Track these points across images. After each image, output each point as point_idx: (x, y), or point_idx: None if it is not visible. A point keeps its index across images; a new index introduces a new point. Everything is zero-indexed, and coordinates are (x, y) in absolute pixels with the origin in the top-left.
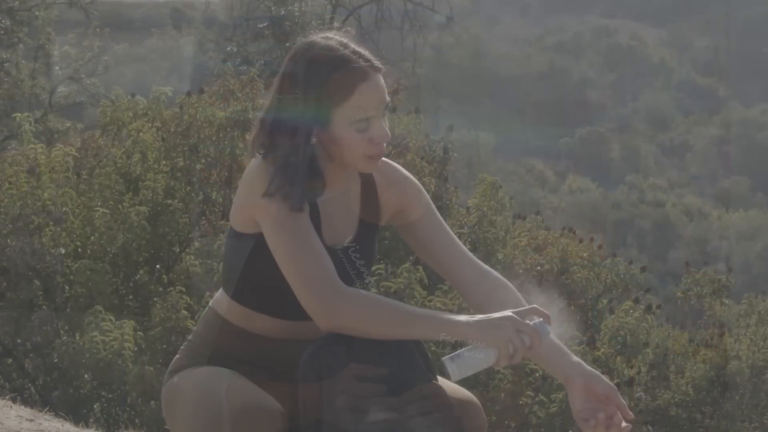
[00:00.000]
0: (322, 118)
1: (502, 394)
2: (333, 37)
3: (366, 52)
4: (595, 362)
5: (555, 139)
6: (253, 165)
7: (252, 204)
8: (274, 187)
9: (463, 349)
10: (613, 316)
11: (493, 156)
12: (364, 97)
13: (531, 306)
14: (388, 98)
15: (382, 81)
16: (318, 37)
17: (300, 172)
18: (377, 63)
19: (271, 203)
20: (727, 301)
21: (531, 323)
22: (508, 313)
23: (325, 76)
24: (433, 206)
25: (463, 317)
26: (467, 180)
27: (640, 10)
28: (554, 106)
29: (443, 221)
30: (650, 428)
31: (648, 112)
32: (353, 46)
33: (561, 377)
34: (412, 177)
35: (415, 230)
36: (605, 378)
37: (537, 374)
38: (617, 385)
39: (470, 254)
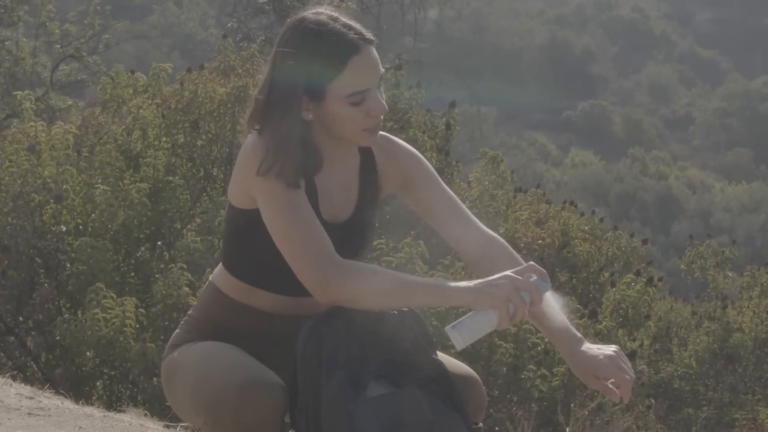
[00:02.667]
0: (316, 93)
1: (504, 369)
2: (323, 12)
3: (357, 25)
4: (597, 335)
5: (557, 113)
6: (249, 141)
7: (248, 181)
8: (267, 164)
9: (464, 317)
10: (614, 289)
11: (496, 130)
12: (357, 69)
13: (528, 264)
14: (382, 70)
15: (375, 53)
16: (309, 12)
17: (293, 148)
18: (369, 35)
19: (265, 180)
20: (730, 274)
21: (530, 280)
22: (506, 272)
23: (317, 50)
24: (435, 174)
25: (461, 283)
26: (470, 154)
27: None
28: (556, 80)
29: (447, 188)
30: (653, 401)
31: (650, 84)
32: (344, 19)
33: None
34: (411, 148)
35: (420, 199)
36: (607, 359)
37: (539, 348)
38: None
39: (475, 220)
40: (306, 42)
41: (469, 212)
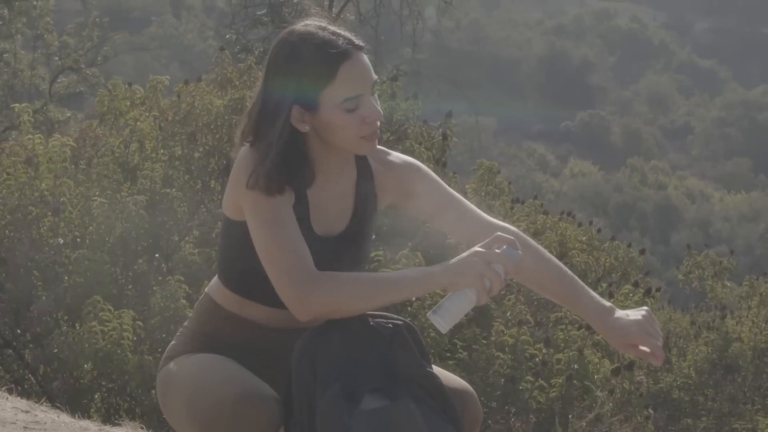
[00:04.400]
0: (309, 103)
1: (502, 380)
2: (311, 23)
3: (345, 33)
4: (595, 346)
5: (556, 123)
6: (241, 154)
7: (237, 193)
8: (254, 176)
9: (443, 300)
10: (612, 300)
11: (495, 140)
12: (348, 76)
13: (494, 235)
14: (375, 76)
15: (366, 59)
16: (297, 25)
17: (278, 158)
18: (358, 42)
19: (251, 193)
20: (728, 284)
21: (499, 251)
22: (474, 248)
23: (307, 60)
24: (436, 177)
25: (434, 267)
26: (468, 165)
27: None
28: (555, 90)
29: (450, 189)
30: (652, 411)
31: (649, 94)
32: (332, 28)
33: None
34: (408, 158)
35: (424, 207)
36: (635, 326)
37: (537, 359)
38: (616, 369)
39: (484, 215)
40: (296, 53)
41: (476, 208)
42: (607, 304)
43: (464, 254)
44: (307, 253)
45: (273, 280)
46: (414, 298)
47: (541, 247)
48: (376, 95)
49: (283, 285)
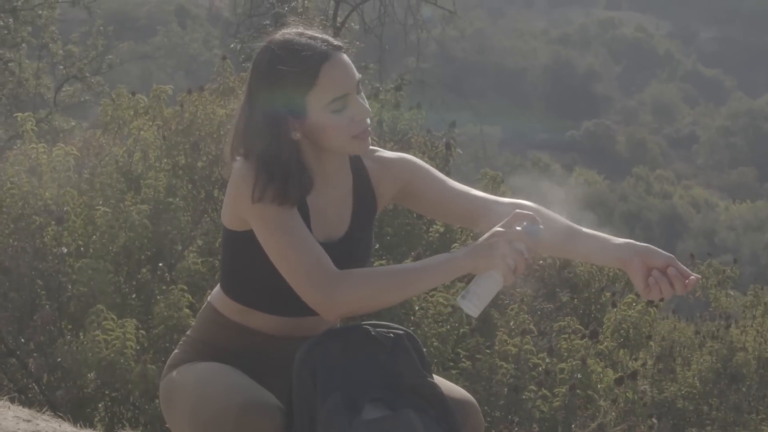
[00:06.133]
0: (297, 109)
1: (505, 389)
2: (288, 31)
3: (323, 35)
4: (598, 355)
5: (561, 132)
6: (237, 167)
7: (239, 206)
8: (260, 189)
9: (470, 284)
10: (615, 310)
11: (500, 149)
12: (330, 76)
13: (513, 213)
14: (358, 75)
15: (347, 58)
16: (275, 35)
17: (282, 167)
18: (337, 42)
19: (258, 205)
20: (732, 293)
21: (520, 229)
22: (494, 229)
23: (288, 67)
24: (429, 168)
25: (458, 251)
26: (473, 174)
27: (645, 2)
28: (560, 99)
29: (449, 180)
30: (656, 421)
31: (654, 103)
32: (310, 32)
33: (615, 263)
34: (401, 154)
35: (425, 201)
36: (660, 250)
37: (540, 368)
38: (620, 378)
39: (492, 197)
40: (276, 61)
41: (482, 193)
42: (620, 240)
43: (485, 235)
44: (324, 254)
45: (295, 286)
46: (417, 303)
47: (544, 210)
48: (362, 93)
49: (307, 289)
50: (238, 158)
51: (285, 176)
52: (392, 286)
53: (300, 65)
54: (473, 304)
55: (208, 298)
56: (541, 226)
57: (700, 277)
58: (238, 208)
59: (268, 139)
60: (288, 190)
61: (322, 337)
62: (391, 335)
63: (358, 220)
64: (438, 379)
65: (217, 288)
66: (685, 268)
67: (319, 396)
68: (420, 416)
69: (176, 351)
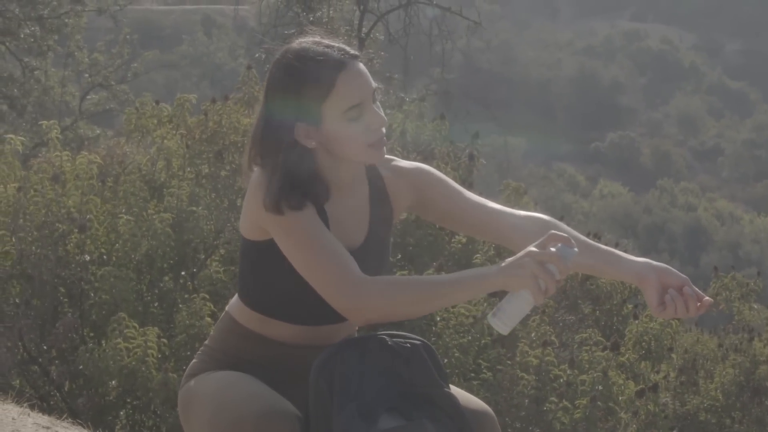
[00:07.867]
0: (312, 118)
1: (526, 401)
2: (305, 40)
3: (339, 44)
4: (619, 367)
5: (586, 144)
6: (255, 176)
7: (257, 215)
8: (272, 197)
9: (501, 302)
10: (637, 322)
11: (524, 161)
12: (346, 85)
13: (548, 234)
14: (374, 84)
15: (363, 67)
16: (292, 44)
17: (296, 174)
18: (353, 51)
19: (276, 214)
20: (756, 306)
21: (554, 250)
22: (528, 248)
23: (304, 76)
24: (445, 178)
25: (490, 268)
26: (497, 185)
27: (671, 14)
28: (585, 111)
29: (466, 191)
30: None
31: (679, 116)
32: (326, 41)
33: (631, 278)
34: (417, 163)
35: (441, 211)
36: (676, 270)
37: (561, 380)
38: (641, 390)
39: (510, 210)
40: (292, 70)
41: (498, 205)
42: (641, 260)
43: (519, 254)
44: (350, 259)
45: (323, 292)
46: (441, 313)
47: (560, 224)
48: (378, 102)
49: (334, 295)
50: (256, 168)
51: (301, 185)
52: (423, 296)
53: (316, 74)
54: (503, 323)
55: (226, 308)
56: (575, 249)
57: (712, 300)
58: (257, 217)
59: (283, 148)
60: (304, 198)
61: (339, 346)
62: (408, 345)
63: (376, 228)
64: (455, 390)
65: (235, 297)
66: (699, 290)
67: (335, 405)
68: (436, 426)
69: (194, 360)
